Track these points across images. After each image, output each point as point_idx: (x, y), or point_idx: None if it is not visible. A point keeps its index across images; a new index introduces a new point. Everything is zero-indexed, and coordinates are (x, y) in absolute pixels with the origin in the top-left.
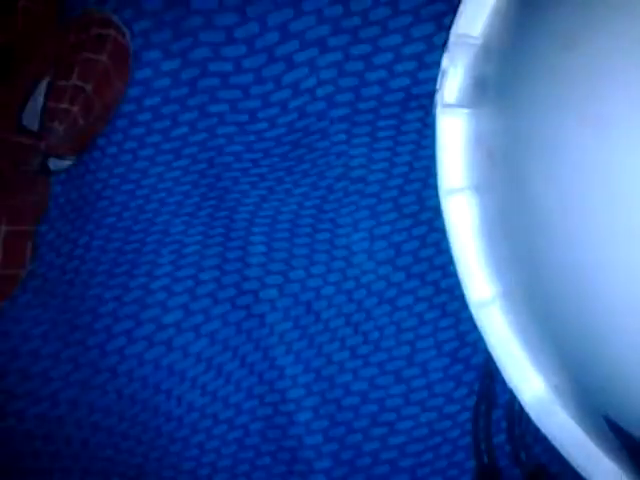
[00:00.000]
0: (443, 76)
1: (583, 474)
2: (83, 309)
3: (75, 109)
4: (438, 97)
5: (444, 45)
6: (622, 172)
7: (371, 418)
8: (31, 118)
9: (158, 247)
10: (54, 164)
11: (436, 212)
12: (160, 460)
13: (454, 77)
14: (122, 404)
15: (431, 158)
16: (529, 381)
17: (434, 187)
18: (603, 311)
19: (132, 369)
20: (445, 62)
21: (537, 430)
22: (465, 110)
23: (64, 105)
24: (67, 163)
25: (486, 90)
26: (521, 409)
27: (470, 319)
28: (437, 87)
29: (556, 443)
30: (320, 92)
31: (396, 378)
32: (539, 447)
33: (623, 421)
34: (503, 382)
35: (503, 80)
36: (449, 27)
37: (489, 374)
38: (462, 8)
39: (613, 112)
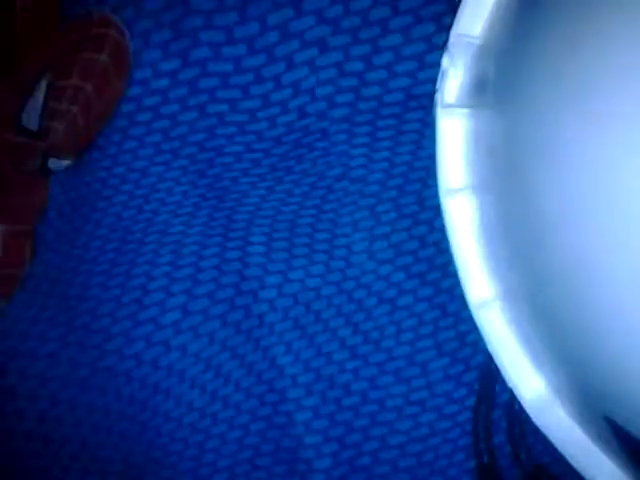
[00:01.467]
0: (443, 76)
1: (583, 474)
2: (82, 309)
3: (74, 109)
4: (438, 97)
5: (444, 45)
6: (623, 172)
7: (371, 418)
8: (31, 118)
9: (157, 247)
10: (53, 164)
11: (436, 212)
12: (159, 460)
13: (454, 77)
14: (121, 404)
15: (431, 158)
16: (529, 381)
17: (434, 187)
18: (604, 312)
19: (130, 369)
20: (445, 62)
21: (537, 430)
22: (465, 110)
23: (64, 105)
24: (66, 163)
25: (486, 90)
26: (521, 409)
27: (470, 319)
28: (437, 87)
29: (556, 443)
30: (320, 92)
31: (396, 378)
32: (539, 447)
33: (623, 421)
34: (503, 382)
35: (503, 80)
36: (449, 27)
37: (489, 374)
38: (462, 8)
39: (614, 112)
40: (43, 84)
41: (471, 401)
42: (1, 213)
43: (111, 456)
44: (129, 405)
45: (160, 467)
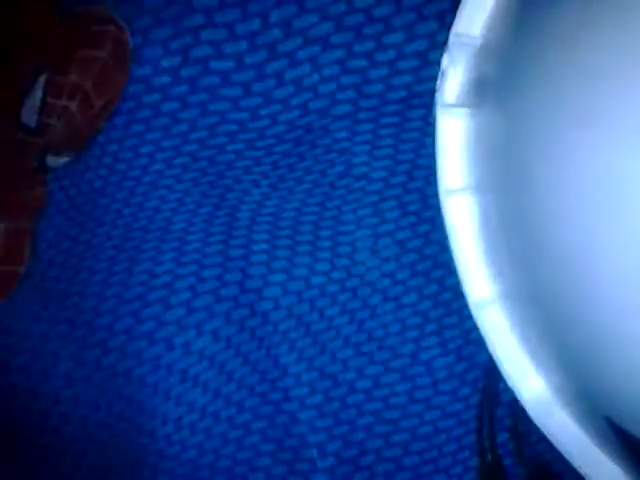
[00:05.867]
0: (443, 76)
1: (583, 474)
2: (84, 306)
3: (73, 106)
4: (438, 97)
5: (444, 44)
6: (623, 173)
7: (375, 416)
8: (29, 114)
9: (159, 244)
10: (51, 161)
11: (439, 210)
12: (155, 466)
13: (454, 77)
14: (122, 405)
15: (433, 156)
16: (529, 381)
17: (437, 185)
18: (604, 312)
19: (130, 368)
20: (445, 62)
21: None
22: (465, 110)
23: (62, 101)
24: (65, 160)
25: (486, 90)
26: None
27: None
28: (437, 87)
29: (556, 443)
30: (322, 89)
31: (400, 376)
32: (543, 445)
33: (623, 421)
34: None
35: (503, 80)
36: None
37: (493, 372)
38: (462, 8)
39: (614, 113)
40: (42, 80)
41: (475, 399)
42: (0, 211)
43: (113, 456)
44: (128, 406)
45: (156, 472)
